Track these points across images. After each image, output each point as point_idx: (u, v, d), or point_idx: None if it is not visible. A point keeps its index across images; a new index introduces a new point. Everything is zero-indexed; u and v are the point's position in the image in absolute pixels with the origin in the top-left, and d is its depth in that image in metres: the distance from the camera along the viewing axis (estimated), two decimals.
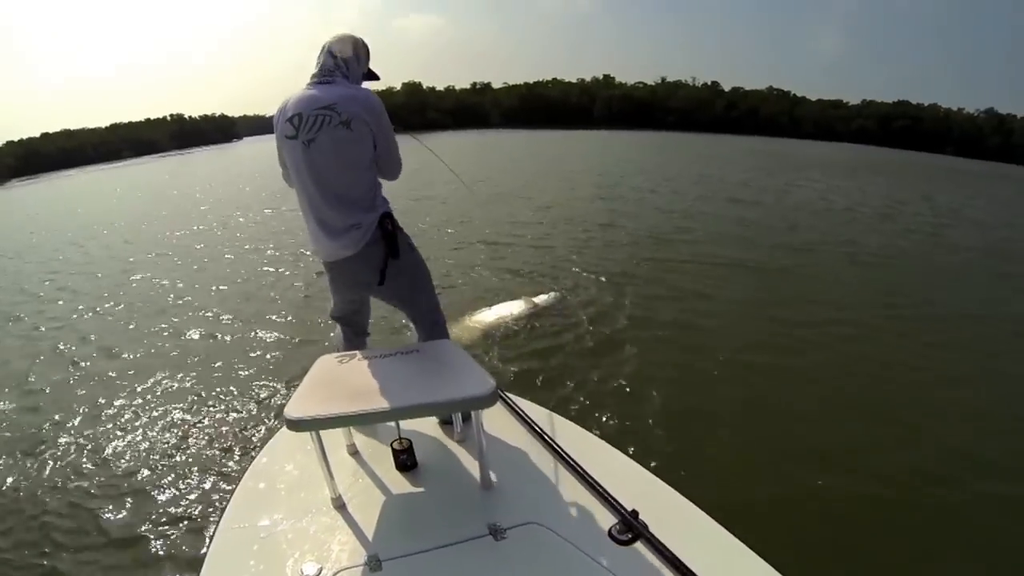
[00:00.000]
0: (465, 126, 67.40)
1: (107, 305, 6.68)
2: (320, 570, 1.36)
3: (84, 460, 3.56)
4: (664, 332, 4.87)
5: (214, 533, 1.58)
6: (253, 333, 5.38)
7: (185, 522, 2.94)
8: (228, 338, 5.33)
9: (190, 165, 42.11)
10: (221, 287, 7.04)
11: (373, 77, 2.14)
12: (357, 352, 1.88)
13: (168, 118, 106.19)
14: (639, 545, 1.35)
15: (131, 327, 5.87)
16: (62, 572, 2.68)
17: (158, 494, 3.18)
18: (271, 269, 7.67)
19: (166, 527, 2.91)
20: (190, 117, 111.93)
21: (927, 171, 27.28)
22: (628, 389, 3.87)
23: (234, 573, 1.41)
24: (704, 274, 6.61)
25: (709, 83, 79.20)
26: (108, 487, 3.29)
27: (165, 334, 5.55)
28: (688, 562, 1.25)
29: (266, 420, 3.81)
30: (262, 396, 4.14)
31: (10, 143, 75.13)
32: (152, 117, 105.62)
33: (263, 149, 65.92)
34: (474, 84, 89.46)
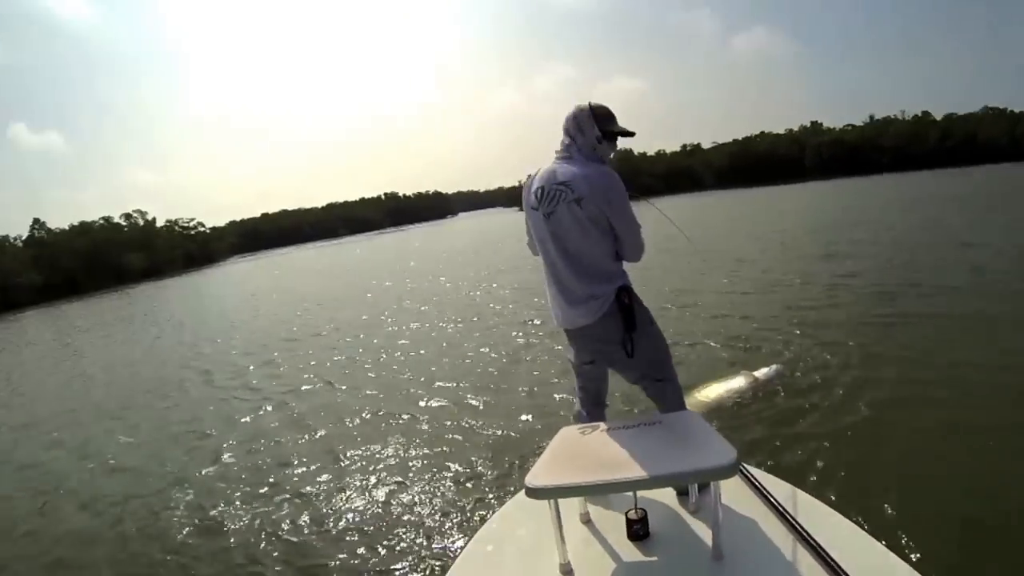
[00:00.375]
0: (677, 190, 66.12)
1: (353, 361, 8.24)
2: None
3: (312, 517, 3.89)
4: (906, 395, 4.40)
5: None
6: (495, 401, 5.61)
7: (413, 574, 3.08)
8: (469, 406, 5.57)
9: (413, 241, 46.18)
10: (467, 357, 7.55)
11: (623, 134, 2.12)
12: (600, 424, 1.91)
13: (383, 196, 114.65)
14: None
15: (374, 386, 6.73)
16: None
17: (387, 554, 3.32)
18: (520, 339, 8.04)
19: None
20: (404, 196, 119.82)
21: None
22: (871, 466, 3.45)
23: None
24: (942, 329, 5.96)
25: (919, 114, 72.45)
26: (335, 545, 3.51)
27: (408, 397, 6.10)
28: None
29: (500, 490, 3.83)
30: (499, 466, 4.21)
31: (233, 223, 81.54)
32: (367, 196, 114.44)
33: (481, 222, 71.59)
34: (684, 146, 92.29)
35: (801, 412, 4.28)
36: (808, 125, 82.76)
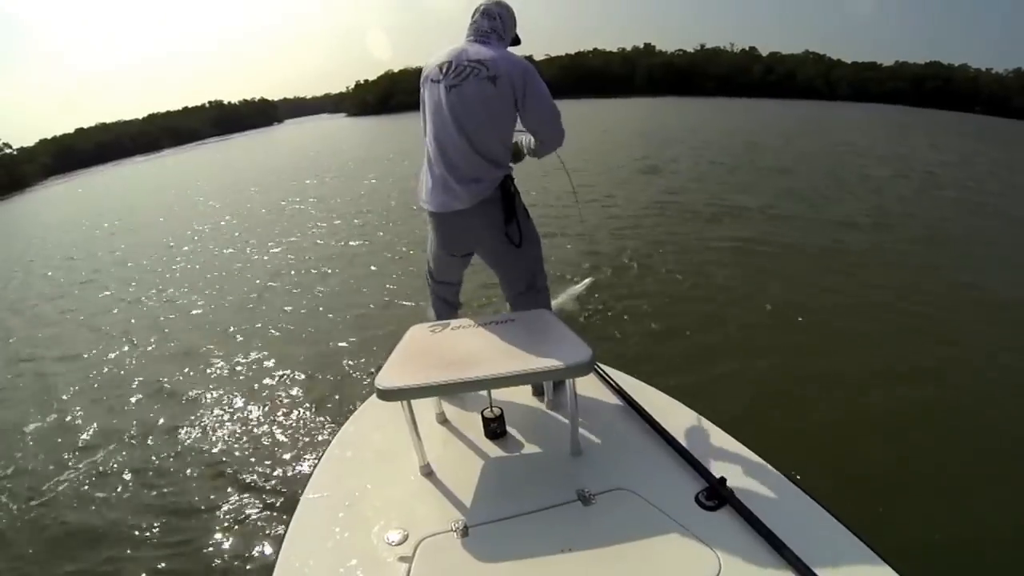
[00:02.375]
0: None
1: (194, 267, 7.84)
2: (406, 536, 1.37)
3: (169, 431, 3.76)
4: (729, 296, 5.05)
5: (298, 501, 1.60)
6: (341, 300, 5.76)
7: (270, 490, 3.02)
8: (315, 307, 5.69)
9: (238, 150, 41.89)
10: (311, 255, 7.74)
11: (517, 42, 2.16)
12: (450, 321, 1.90)
13: (207, 105, 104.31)
14: (725, 511, 1.36)
15: (222, 296, 6.49)
16: (143, 541, 2.79)
17: (242, 464, 3.28)
18: (361, 237, 8.28)
19: (250, 495, 3.00)
20: (229, 103, 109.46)
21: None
22: (706, 358, 3.94)
23: (317, 539, 1.43)
24: (770, 232, 7.03)
25: (747, 48, 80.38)
26: (193, 457, 3.43)
27: (253, 303, 6.07)
28: (774, 528, 1.25)
29: (353, 390, 3.85)
30: (349, 365, 4.26)
31: (44, 141, 70.47)
32: (190, 105, 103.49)
33: (308, 129, 66.04)
34: None
35: (655, 313, 4.74)
36: (641, 47, 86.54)
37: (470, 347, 1.66)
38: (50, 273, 9.36)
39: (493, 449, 1.72)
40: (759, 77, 71.15)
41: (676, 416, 1.77)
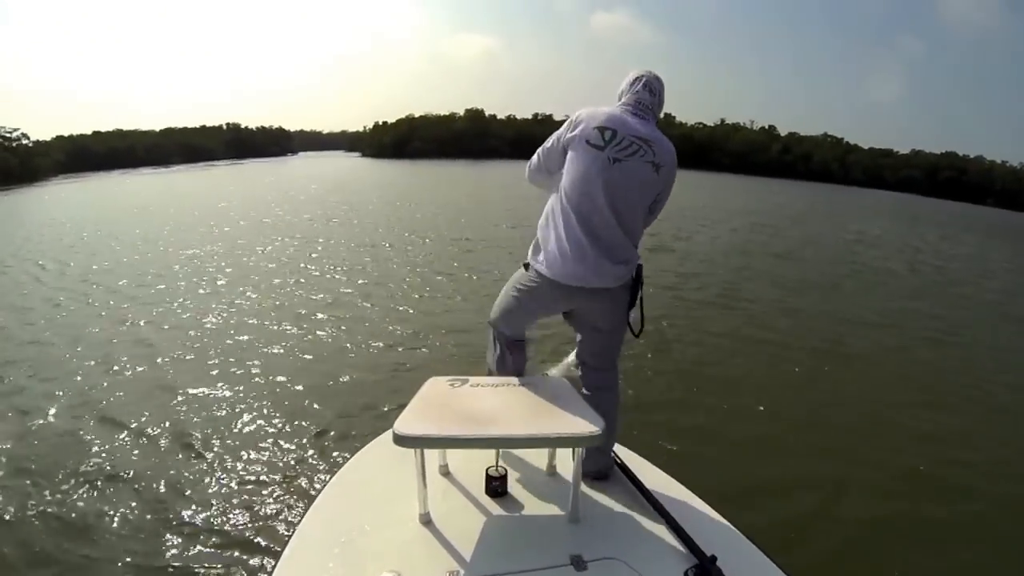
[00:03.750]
0: (523, 156, 66.96)
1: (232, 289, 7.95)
2: None
3: (170, 445, 3.80)
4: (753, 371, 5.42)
5: (291, 534, 1.61)
6: (362, 340, 5.86)
7: (267, 521, 2.99)
8: (332, 341, 5.88)
9: (249, 175, 42.88)
10: (344, 289, 8.05)
11: None
12: (469, 378, 1.95)
13: (224, 127, 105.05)
14: None
15: (248, 315, 6.72)
16: (134, 561, 2.78)
17: (234, 488, 3.27)
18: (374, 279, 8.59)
19: (247, 524, 2.98)
20: (246, 128, 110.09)
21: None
22: (705, 439, 4.09)
23: (309, 574, 1.45)
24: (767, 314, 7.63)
25: (767, 127, 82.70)
26: (192, 477, 3.41)
27: (276, 327, 6.26)
28: None
29: (359, 431, 3.85)
30: (355, 402, 4.33)
31: (60, 138, 70.06)
32: (208, 124, 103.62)
33: (320, 165, 65.75)
34: (535, 115, 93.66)
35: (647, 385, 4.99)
36: (661, 117, 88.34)
37: (485, 405, 1.69)
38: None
39: (493, 506, 1.72)
40: (775, 156, 72.47)
41: (672, 492, 1.82)
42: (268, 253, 10.93)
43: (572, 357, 3.38)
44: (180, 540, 2.91)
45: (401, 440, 1.47)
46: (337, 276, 8.99)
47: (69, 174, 52.90)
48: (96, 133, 79.59)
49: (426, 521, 1.61)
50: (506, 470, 1.79)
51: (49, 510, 3.23)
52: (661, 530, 1.62)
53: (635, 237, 1.93)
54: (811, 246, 14.17)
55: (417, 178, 36.53)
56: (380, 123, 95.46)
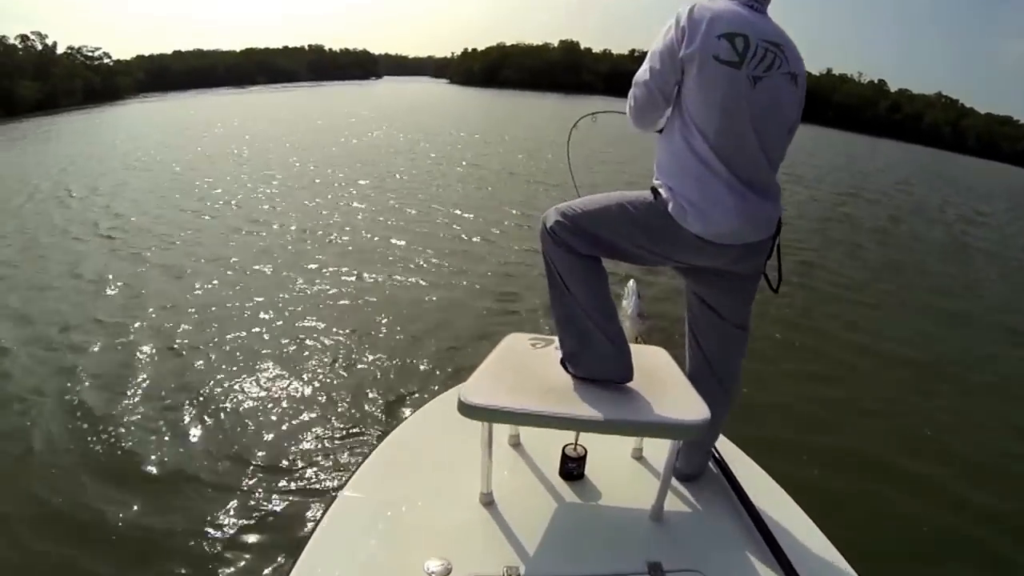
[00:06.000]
0: (617, 94, 65.70)
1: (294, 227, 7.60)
2: (448, 569, 1.19)
3: (221, 396, 3.56)
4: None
5: (333, 500, 1.45)
6: (441, 284, 5.47)
7: (310, 482, 2.79)
8: (405, 288, 5.38)
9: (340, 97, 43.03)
10: (420, 227, 7.65)
11: None
12: (554, 338, 1.62)
13: (307, 48, 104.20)
14: None
15: (314, 256, 6.31)
16: (169, 522, 2.61)
17: (286, 449, 3.04)
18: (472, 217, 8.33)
19: (288, 484, 2.78)
20: (330, 50, 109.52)
21: None
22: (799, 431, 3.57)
23: (347, 546, 1.30)
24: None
25: (876, 81, 74.04)
26: (236, 438, 3.16)
27: (346, 271, 5.83)
28: None
29: (422, 386, 3.57)
30: (425, 358, 3.93)
31: (140, 57, 71.53)
32: (291, 45, 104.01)
33: (407, 89, 66.12)
34: (632, 51, 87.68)
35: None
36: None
37: (567, 374, 1.47)
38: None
39: (567, 491, 1.54)
40: (883, 113, 66.09)
41: (774, 501, 1.58)
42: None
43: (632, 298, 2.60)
44: (215, 495, 2.77)
45: (467, 410, 1.27)
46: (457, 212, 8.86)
47: (151, 92, 54.19)
48: (176, 52, 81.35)
49: (487, 502, 1.45)
50: (585, 451, 1.58)
51: (133, 418, 3.38)
52: (755, 545, 1.40)
53: (777, 180, 1.50)
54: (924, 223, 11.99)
55: (516, 109, 35.56)
56: (469, 50, 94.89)
